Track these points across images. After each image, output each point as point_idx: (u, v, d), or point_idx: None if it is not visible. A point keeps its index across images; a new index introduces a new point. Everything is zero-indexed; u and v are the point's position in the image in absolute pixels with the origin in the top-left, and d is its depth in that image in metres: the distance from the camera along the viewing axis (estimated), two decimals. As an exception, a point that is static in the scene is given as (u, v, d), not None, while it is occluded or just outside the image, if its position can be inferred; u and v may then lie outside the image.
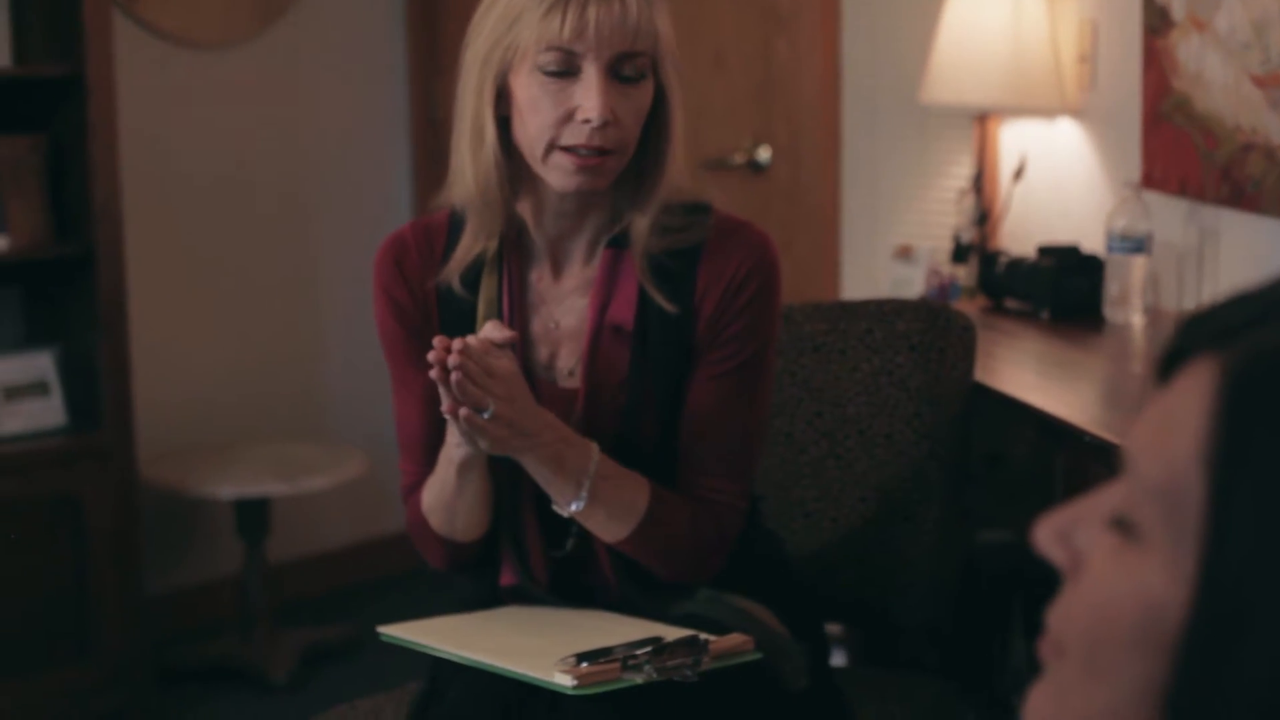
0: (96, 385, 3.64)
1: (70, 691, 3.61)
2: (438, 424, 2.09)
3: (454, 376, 1.92)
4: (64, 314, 3.71)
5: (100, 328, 3.61)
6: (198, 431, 4.37)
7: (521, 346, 2.14)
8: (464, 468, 2.06)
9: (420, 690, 2.14)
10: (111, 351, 3.62)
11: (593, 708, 1.94)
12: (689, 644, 1.99)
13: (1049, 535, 0.86)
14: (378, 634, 2.10)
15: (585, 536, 2.14)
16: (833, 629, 3.04)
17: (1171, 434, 0.78)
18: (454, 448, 2.05)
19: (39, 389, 3.60)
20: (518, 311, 2.15)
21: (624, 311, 2.11)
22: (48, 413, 3.61)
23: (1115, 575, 0.81)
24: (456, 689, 2.04)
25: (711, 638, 2.02)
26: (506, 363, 1.99)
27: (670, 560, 2.11)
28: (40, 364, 3.61)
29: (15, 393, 3.57)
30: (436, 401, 2.07)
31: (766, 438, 2.20)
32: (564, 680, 1.91)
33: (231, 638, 4.21)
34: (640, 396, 2.12)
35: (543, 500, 2.12)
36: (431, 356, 1.93)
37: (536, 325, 2.16)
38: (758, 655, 2.07)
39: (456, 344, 1.93)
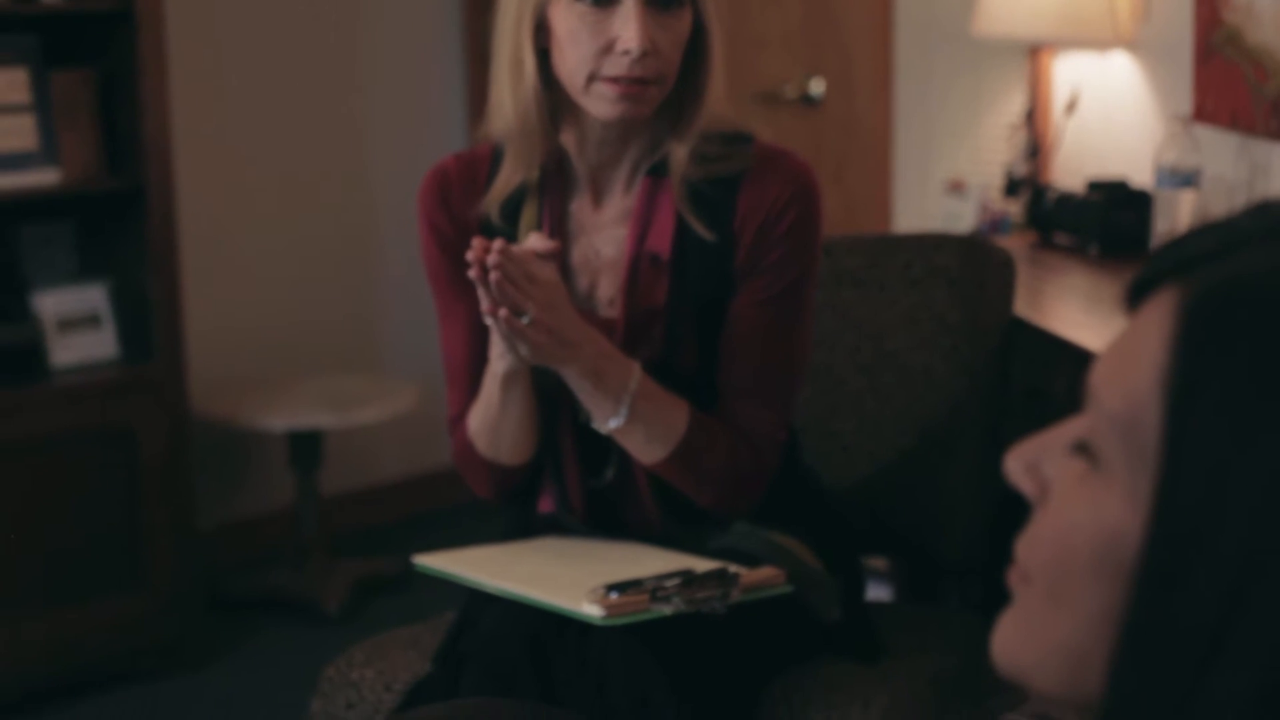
0: (148, 318, 3.67)
1: (123, 621, 3.65)
2: (483, 354, 2.11)
3: (493, 276, 1.92)
4: (116, 247, 3.74)
5: (151, 261, 3.64)
6: (250, 364, 4.40)
7: (562, 275, 2.15)
8: (507, 382, 2.07)
9: (453, 620, 2.15)
10: (162, 284, 3.64)
11: (621, 638, 1.95)
12: (718, 576, 2.00)
13: (1018, 465, 0.86)
14: (413, 564, 2.12)
15: (625, 467, 2.15)
16: (877, 564, 3.05)
17: (1132, 364, 0.78)
18: (496, 360, 2.06)
19: (91, 322, 3.63)
20: (558, 241, 2.16)
21: (662, 240, 2.11)
22: (100, 345, 3.64)
23: (1076, 504, 0.81)
24: (488, 619, 2.05)
25: (741, 570, 2.03)
26: (549, 271, 2.00)
27: (708, 487, 2.11)
28: (93, 297, 3.64)
29: (68, 325, 3.60)
30: (482, 331, 2.08)
31: (807, 370, 2.19)
32: (593, 610, 1.92)
33: (284, 569, 4.25)
34: (678, 326, 2.12)
35: (582, 429, 2.13)
36: (470, 255, 1.94)
37: (576, 255, 2.17)
38: (788, 589, 2.07)
39: (496, 244, 1.93)
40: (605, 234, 2.16)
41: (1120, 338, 0.81)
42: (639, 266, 2.12)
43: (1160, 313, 0.78)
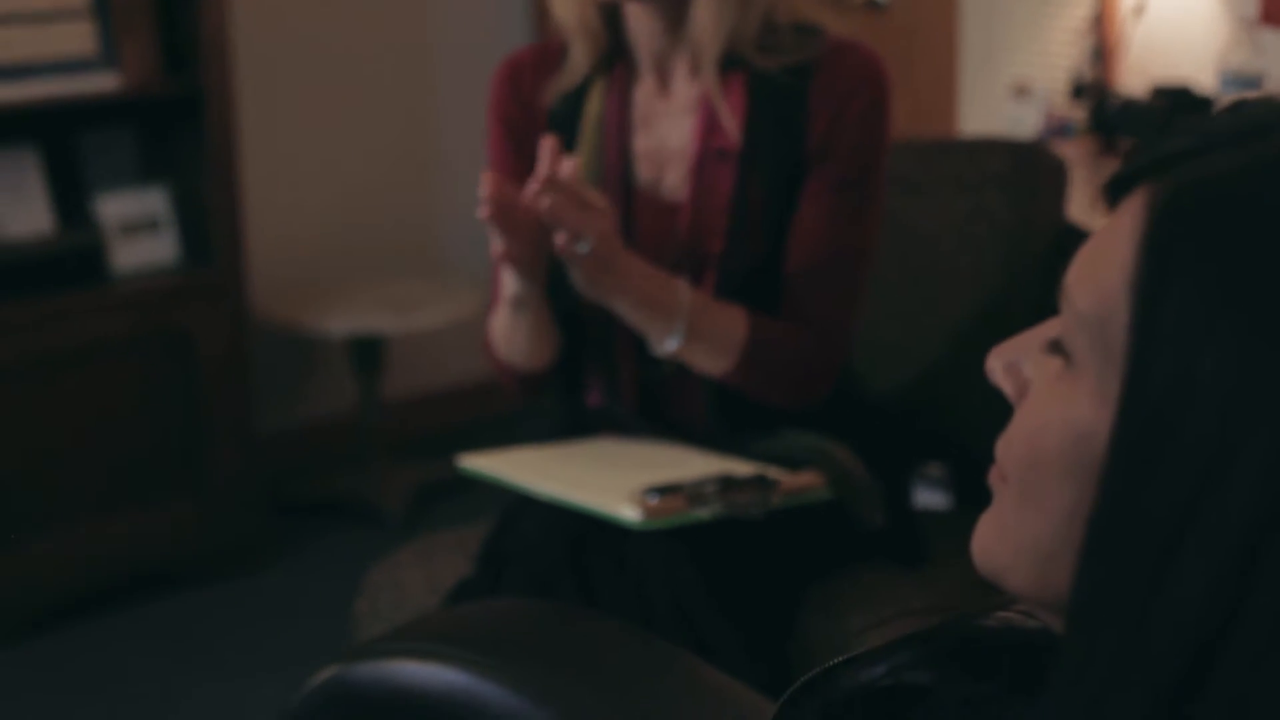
0: (208, 222, 3.68)
1: (185, 523, 3.69)
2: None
3: (544, 201, 1.92)
4: (176, 151, 3.75)
5: (210, 164, 3.65)
6: (312, 268, 4.41)
7: (626, 163, 2.15)
8: (517, 305, 2.08)
9: (494, 523, 2.16)
10: (222, 188, 3.65)
11: (660, 542, 1.96)
12: (757, 481, 1.99)
13: (998, 364, 0.87)
14: (458, 466, 2.13)
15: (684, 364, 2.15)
16: (933, 470, 3.04)
17: (1103, 264, 0.78)
18: (507, 287, 2.07)
19: (152, 226, 3.65)
20: (623, 129, 2.15)
21: (731, 131, 2.10)
22: (160, 249, 3.66)
23: (1048, 403, 0.82)
24: (528, 521, 2.06)
25: (781, 476, 2.02)
26: (601, 200, 1.99)
27: (779, 387, 2.11)
28: (153, 201, 3.66)
29: (129, 230, 3.62)
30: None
31: (874, 259, 2.18)
32: (630, 514, 1.92)
33: (345, 474, 4.28)
34: (744, 218, 2.11)
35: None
36: (528, 190, 1.93)
37: (641, 143, 2.17)
38: (828, 494, 2.07)
39: (555, 158, 1.93)
40: (671, 123, 2.16)
41: (1094, 238, 0.81)
42: (706, 157, 2.11)
43: (1132, 212, 0.78)
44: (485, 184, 1.93)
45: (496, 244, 1.97)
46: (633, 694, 1.50)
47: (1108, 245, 0.79)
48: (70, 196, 3.65)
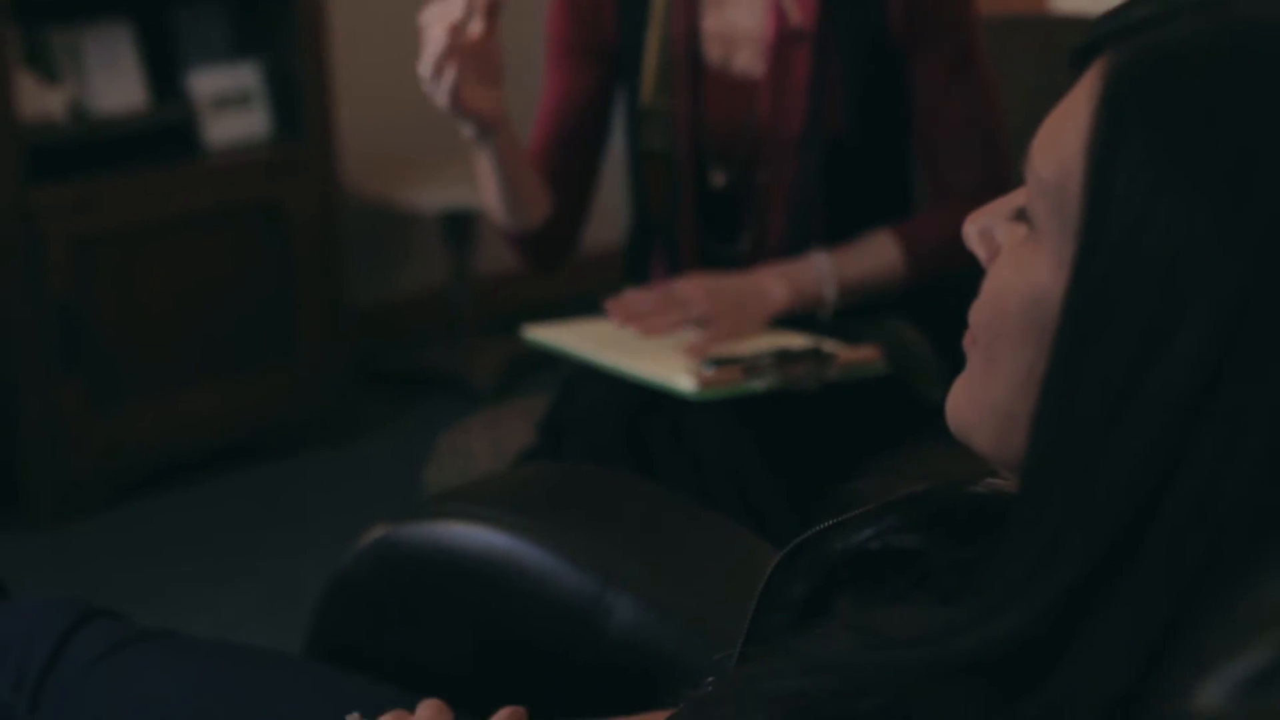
0: (300, 96, 3.72)
1: (277, 394, 3.76)
2: (559, 130, 2.17)
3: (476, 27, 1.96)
4: (268, 25, 3.77)
5: (303, 38, 3.68)
6: (404, 143, 4.44)
7: (695, 43, 2.15)
8: (477, 149, 2.11)
9: (555, 394, 2.20)
10: (313, 62, 3.68)
11: (717, 413, 1.98)
12: (814, 354, 2.01)
13: (973, 230, 0.88)
14: (523, 337, 2.18)
15: (761, 236, 2.17)
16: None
17: (1064, 131, 0.80)
18: (464, 131, 2.09)
19: (244, 100, 3.69)
20: (691, 9, 2.16)
21: (806, 12, 2.10)
22: (252, 124, 3.70)
23: (1011, 268, 0.83)
24: (586, 393, 2.09)
25: (839, 349, 2.04)
26: (690, 288, 2.09)
27: (955, 264, 2.12)
28: (245, 75, 3.70)
29: (221, 104, 3.67)
30: (563, 110, 2.14)
31: (1005, 130, 2.18)
32: (686, 384, 1.95)
33: (436, 348, 4.34)
34: (823, 99, 2.11)
35: (704, 194, 2.16)
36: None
37: (710, 23, 2.16)
38: (885, 369, 2.09)
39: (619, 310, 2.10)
40: (742, 4, 2.15)
41: (1058, 106, 0.82)
42: (782, 38, 2.11)
43: (1091, 80, 0.79)
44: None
45: (444, 87, 1.98)
46: (670, 558, 1.53)
47: (1069, 113, 0.81)
48: (163, 71, 3.69)
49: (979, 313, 0.86)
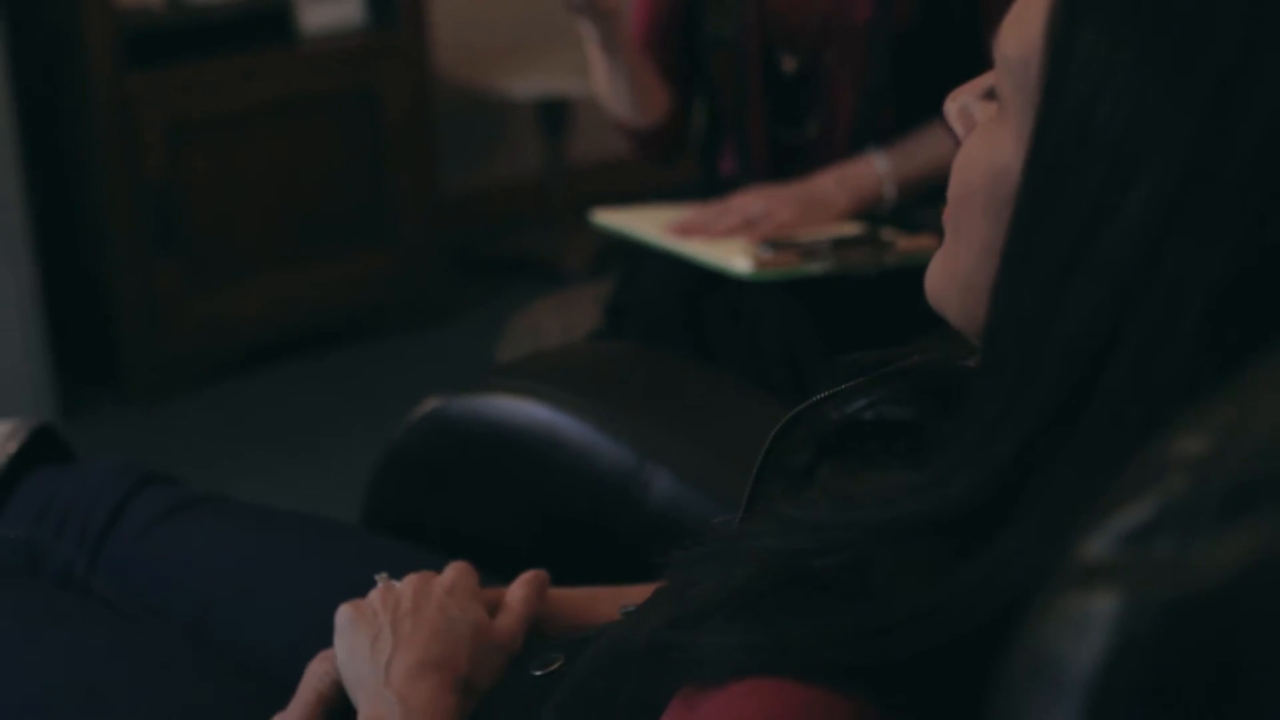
0: (394, -16, 3.75)
1: (372, 277, 3.82)
2: (651, 28, 2.19)
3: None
4: (364, -87, 3.81)
5: (395, -74, 3.71)
6: (499, 31, 4.46)
7: None
8: (603, 49, 2.13)
9: (619, 276, 2.24)
10: (407, -51, 3.72)
11: (775, 294, 2.01)
12: (871, 240, 2.04)
13: (953, 108, 0.91)
14: (591, 221, 2.21)
15: (829, 123, 2.18)
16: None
17: (1030, 7, 0.82)
18: (590, 33, 2.11)
19: (338, -13, 3.73)
20: None
21: None
22: (347, 10, 3.73)
23: (979, 143, 0.86)
24: (647, 275, 2.13)
25: (897, 237, 2.06)
26: (747, 198, 2.11)
27: None
28: (340, -37, 3.73)
29: (316, -9, 3.70)
30: (655, 3, 2.17)
31: None
32: (743, 264, 1.98)
33: (530, 234, 4.38)
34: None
35: (774, 81, 2.18)
36: None
37: None
38: (944, 256, 2.10)
39: None
40: None
41: None
42: None
43: None
44: None
45: None
46: (711, 434, 1.57)
47: None
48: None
49: (951, 188, 0.89)
